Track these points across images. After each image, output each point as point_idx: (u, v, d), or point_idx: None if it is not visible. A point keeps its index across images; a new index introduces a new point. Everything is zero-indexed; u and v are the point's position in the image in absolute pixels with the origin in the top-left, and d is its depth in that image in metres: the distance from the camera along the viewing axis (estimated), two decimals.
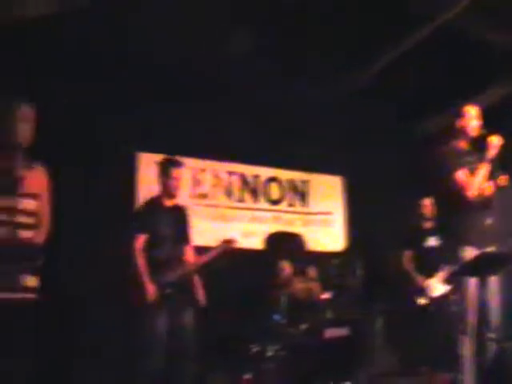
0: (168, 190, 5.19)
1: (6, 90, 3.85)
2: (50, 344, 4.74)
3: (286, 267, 6.08)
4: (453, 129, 4.69)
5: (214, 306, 6.07)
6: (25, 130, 3.60)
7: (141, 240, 5.00)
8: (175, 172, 5.17)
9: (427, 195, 6.51)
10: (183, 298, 5.04)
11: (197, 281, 5.22)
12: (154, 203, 5.21)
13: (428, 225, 6.53)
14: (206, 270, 5.33)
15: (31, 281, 3.57)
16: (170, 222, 5.16)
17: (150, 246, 5.02)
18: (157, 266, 4.96)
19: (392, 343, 6.49)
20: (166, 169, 5.18)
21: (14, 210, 3.44)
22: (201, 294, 5.19)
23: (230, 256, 5.45)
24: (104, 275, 5.70)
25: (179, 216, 5.30)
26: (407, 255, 6.54)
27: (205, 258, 5.24)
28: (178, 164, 5.22)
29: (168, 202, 5.22)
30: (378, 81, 6.89)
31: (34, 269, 3.59)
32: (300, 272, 6.48)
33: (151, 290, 4.81)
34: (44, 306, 3.64)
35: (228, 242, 5.38)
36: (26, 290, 3.51)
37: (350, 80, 7.03)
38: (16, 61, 5.54)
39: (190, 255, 5.29)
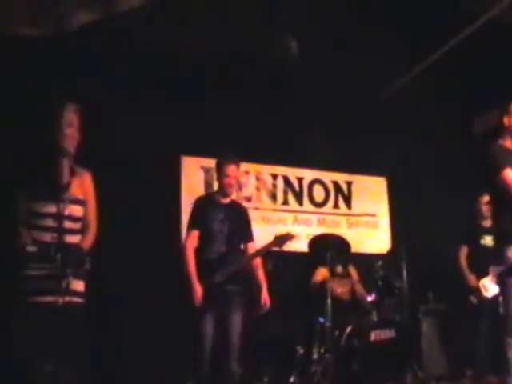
0: (222, 188, 5.02)
1: (52, 94, 3.92)
2: (97, 347, 4.84)
3: (326, 273, 6.03)
4: (501, 126, 4.59)
5: None
6: (71, 135, 3.63)
7: (193, 236, 4.90)
8: (229, 169, 4.98)
9: (485, 192, 6.42)
10: (232, 299, 4.82)
11: (263, 282, 5.03)
12: (208, 200, 5.11)
13: (486, 223, 6.39)
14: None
15: (78, 285, 3.63)
16: (224, 218, 4.96)
17: (202, 244, 4.91)
18: (208, 265, 4.82)
19: (440, 345, 6.42)
20: (220, 166, 5.04)
21: (60, 216, 3.50)
22: (264, 297, 4.98)
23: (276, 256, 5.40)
24: (150, 278, 5.76)
25: (235, 213, 5.09)
26: (463, 252, 6.44)
27: (255, 254, 5.04)
28: (233, 161, 5.03)
29: (224, 200, 5.04)
30: (425, 78, 6.81)
31: (81, 273, 3.64)
32: (344, 274, 6.47)
33: (198, 291, 4.67)
34: (91, 310, 3.71)
35: (281, 237, 5.13)
36: (74, 293, 3.56)
37: (397, 78, 6.98)
38: (60, 64, 5.63)
39: (251, 253, 5.07)
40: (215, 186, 5.31)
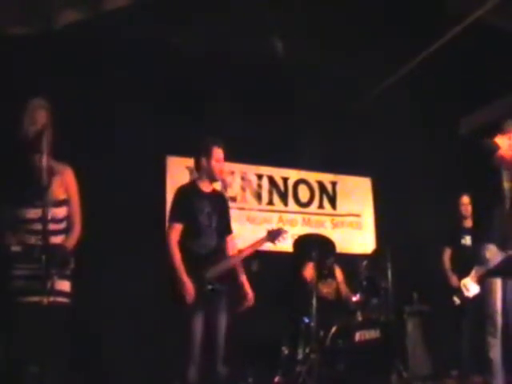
0: (211, 173, 4.67)
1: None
2: (82, 347, 4.82)
3: (313, 270, 6.03)
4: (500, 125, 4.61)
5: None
6: (37, 132, 3.44)
7: (177, 230, 4.50)
8: (219, 153, 4.67)
9: (465, 193, 6.48)
10: (220, 298, 4.58)
11: (243, 276, 4.75)
12: (192, 189, 4.69)
13: (467, 223, 6.47)
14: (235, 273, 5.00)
15: (63, 285, 3.62)
16: (210, 209, 4.64)
17: (188, 238, 4.52)
18: (196, 260, 4.47)
19: (425, 345, 6.45)
20: (207, 149, 4.66)
21: (44, 220, 3.45)
22: (249, 291, 4.73)
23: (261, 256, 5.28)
24: (136, 277, 5.74)
25: (220, 204, 4.78)
26: (447, 253, 6.51)
27: (248, 249, 4.79)
28: (220, 144, 4.71)
29: (206, 188, 4.70)
30: (411, 79, 6.84)
31: (66, 273, 3.62)
32: (329, 274, 6.48)
33: (189, 288, 4.35)
34: (76, 310, 3.69)
35: (273, 232, 4.98)
36: (58, 293, 3.53)
37: (382, 79, 7.01)
38: (47, 62, 5.57)
39: (231, 247, 4.83)
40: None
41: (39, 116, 3.53)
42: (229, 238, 4.83)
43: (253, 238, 5.91)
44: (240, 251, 4.84)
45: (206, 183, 4.70)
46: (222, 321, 4.57)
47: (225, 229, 4.80)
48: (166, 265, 4.50)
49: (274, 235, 4.94)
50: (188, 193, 4.67)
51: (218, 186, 5.26)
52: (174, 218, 4.57)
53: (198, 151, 4.73)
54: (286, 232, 5.05)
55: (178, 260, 4.42)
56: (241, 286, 4.72)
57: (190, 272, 4.42)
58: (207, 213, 4.63)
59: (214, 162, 4.65)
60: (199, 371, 4.42)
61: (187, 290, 4.36)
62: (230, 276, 4.71)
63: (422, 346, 6.42)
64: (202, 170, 4.69)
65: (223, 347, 4.57)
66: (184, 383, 4.39)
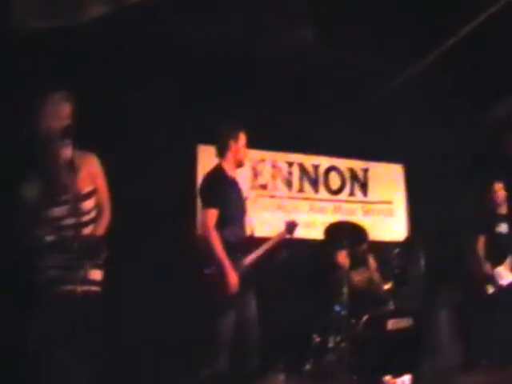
0: (239, 158, 4.71)
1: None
2: (114, 336, 4.86)
3: (345, 258, 6.01)
4: None
5: (275, 297, 6.14)
6: (59, 126, 3.46)
7: (214, 215, 4.42)
8: (244, 137, 4.74)
9: (497, 180, 6.39)
10: (252, 287, 4.61)
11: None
12: (219, 175, 4.66)
13: (501, 210, 6.38)
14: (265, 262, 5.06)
15: (95, 274, 3.66)
16: (238, 198, 4.68)
17: (219, 225, 4.46)
18: (229, 249, 4.42)
19: (456, 335, 6.39)
20: (236, 132, 4.70)
21: (74, 215, 3.47)
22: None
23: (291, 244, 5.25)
24: (166, 266, 5.77)
25: (240, 190, 4.81)
26: (481, 240, 6.41)
27: (269, 243, 4.80)
28: (243, 129, 4.77)
29: (232, 173, 4.70)
30: (443, 63, 6.72)
31: (99, 262, 3.65)
32: (362, 263, 6.44)
33: (233, 277, 4.32)
34: (107, 298, 3.72)
35: (290, 224, 5.06)
36: (91, 282, 3.59)
37: (412, 65, 6.90)
38: (73, 56, 5.58)
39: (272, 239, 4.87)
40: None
41: (63, 110, 3.52)
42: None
43: (283, 225, 5.95)
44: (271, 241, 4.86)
45: (231, 168, 4.72)
46: (254, 311, 4.60)
47: (246, 216, 4.79)
48: (200, 252, 4.49)
49: (291, 227, 5.01)
50: (219, 178, 4.64)
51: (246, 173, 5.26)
52: (210, 203, 4.50)
53: (224, 134, 4.76)
54: (298, 224, 5.14)
55: (219, 246, 4.35)
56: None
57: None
58: (235, 199, 4.64)
59: (241, 146, 4.70)
60: (229, 360, 4.42)
61: (231, 278, 4.31)
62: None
63: (453, 335, 6.36)
64: (230, 154, 4.70)
65: (255, 338, 4.59)
66: (214, 371, 4.39)
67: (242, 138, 4.72)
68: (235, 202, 4.62)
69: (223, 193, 4.54)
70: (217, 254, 4.33)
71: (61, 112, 3.50)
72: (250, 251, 4.63)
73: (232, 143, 4.68)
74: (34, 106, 3.58)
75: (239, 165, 4.78)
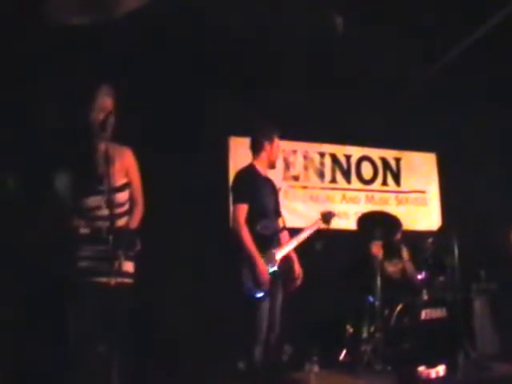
0: (272, 159, 4.81)
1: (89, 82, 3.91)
2: (146, 327, 4.92)
3: (379, 249, 5.98)
4: None
5: (309, 287, 6.14)
6: (104, 120, 3.52)
7: (244, 210, 4.48)
8: (278, 141, 4.84)
9: None
10: (280, 280, 4.61)
11: (295, 258, 4.78)
12: (253, 173, 4.73)
13: None
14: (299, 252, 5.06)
15: (129, 266, 3.69)
16: (269, 192, 4.75)
17: (252, 219, 4.51)
18: (262, 242, 4.47)
19: (492, 324, 6.33)
20: (270, 137, 4.78)
21: (109, 206, 3.51)
22: (299, 273, 4.74)
23: (325, 234, 5.23)
24: (199, 258, 5.81)
25: (273, 187, 4.89)
26: None
27: (304, 233, 4.85)
28: (278, 133, 4.86)
29: (263, 172, 4.78)
30: (475, 51, 6.63)
31: (131, 254, 3.68)
32: (395, 252, 6.40)
33: (264, 270, 4.36)
34: (140, 291, 3.76)
35: (326, 214, 5.09)
36: (125, 274, 3.61)
37: (446, 52, 6.81)
38: (108, 50, 5.60)
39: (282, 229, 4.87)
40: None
41: (105, 103, 3.57)
42: (279, 221, 4.87)
43: (316, 216, 5.93)
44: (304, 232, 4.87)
45: (263, 167, 4.79)
46: (280, 302, 4.61)
47: (278, 212, 4.87)
48: (232, 245, 4.50)
49: (327, 217, 5.04)
50: (250, 175, 4.71)
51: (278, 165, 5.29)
52: (240, 198, 4.57)
53: (260, 134, 4.82)
54: (335, 215, 5.18)
55: (249, 241, 4.41)
56: (292, 267, 4.74)
57: (260, 254, 4.42)
58: (267, 195, 4.70)
59: (275, 148, 4.80)
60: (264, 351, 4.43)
61: (262, 271, 4.36)
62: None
63: (489, 325, 6.29)
64: (263, 154, 4.78)
65: (279, 328, 4.59)
66: (250, 363, 4.41)
67: (277, 141, 4.81)
68: (267, 196, 4.69)
69: (254, 188, 4.61)
70: (246, 247, 4.39)
71: (104, 105, 3.56)
72: (283, 244, 4.70)
73: (267, 144, 4.76)
74: (80, 99, 3.67)
75: (272, 166, 4.86)
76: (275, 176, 6.64)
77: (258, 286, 4.36)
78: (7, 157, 5.00)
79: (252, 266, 4.36)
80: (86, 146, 3.63)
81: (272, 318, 4.52)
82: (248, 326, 4.43)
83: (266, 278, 4.37)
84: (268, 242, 4.54)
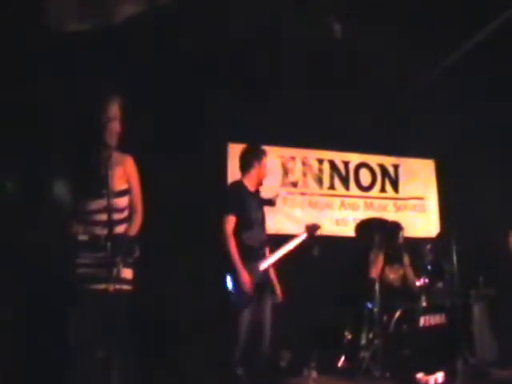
0: (259, 177, 5.15)
1: (97, 88, 3.94)
2: (144, 334, 4.92)
3: (379, 254, 6.00)
4: None
5: (308, 293, 6.14)
6: (115, 129, 3.64)
7: (232, 222, 4.81)
8: (265, 160, 5.19)
9: None
10: (266, 290, 4.92)
11: (273, 274, 5.10)
12: (242, 187, 5.06)
13: None
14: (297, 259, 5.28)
15: (127, 272, 3.70)
16: (258, 207, 5.08)
17: (240, 230, 4.84)
18: (249, 253, 4.81)
19: (491, 330, 6.32)
20: (260, 156, 5.13)
21: (108, 211, 3.52)
22: (278, 289, 5.07)
23: (315, 241, 5.33)
24: (196, 265, 5.81)
25: (260, 202, 5.24)
26: None
27: (289, 246, 5.09)
28: (266, 153, 5.24)
29: (252, 188, 5.10)
30: (474, 56, 6.63)
31: (130, 261, 3.69)
32: (394, 259, 6.41)
33: (246, 277, 4.66)
34: (138, 297, 3.77)
35: (311, 227, 5.25)
36: (123, 281, 3.62)
37: (441, 59, 6.82)
38: (107, 56, 5.63)
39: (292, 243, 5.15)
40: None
41: (111, 110, 3.63)
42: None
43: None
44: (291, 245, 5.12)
45: (251, 184, 5.10)
46: (268, 314, 4.84)
47: (264, 226, 5.18)
48: (222, 254, 4.74)
49: (312, 229, 5.22)
50: (239, 189, 5.04)
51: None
52: (229, 210, 4.84)
53: (250, 154, 5.17)
54: (320, 227, 5.31)
55: (234, 250, 4.71)
56: (272, 282, 5.04)
57: (245, 263, 4.72)
58: (254, 209, 5.01)
59: (264, 169, 5.17)
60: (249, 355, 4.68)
61: (244, 279, 4.64)
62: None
63: (488, 331, 6.29)
64: (252, 172, 5.11)
65: (269, 336, 4.81)
66: (234, 365, 4.63)
67: (265, 160, 5.18)
68: (254, 210, 5.00)
69: (242, 201, 4.93)
70: (232, 257, 4.70)
71: (109, 111, 3.62)
72: (267, 256, 5.02)
73: (256, 164, 5.11)
74: (87, 107, 3.74)
75: (260, 183, 5.21)
76: (274, 182, 6.76)
77: (241, 294, 4.64)
78: (7, 158, 5.02)
79: (236, 274, 4.67)
80: (91, 151, 3.67)
81: (259, 326, 4.76)
82: (230, 329, 4.70)
83: (248, 286, 4.65)
84: (254, 253, 4.86)
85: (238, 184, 5.10)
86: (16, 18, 5.00)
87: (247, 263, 4.73)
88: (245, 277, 4.65)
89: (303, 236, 5.17)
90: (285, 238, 5.28)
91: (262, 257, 4.95)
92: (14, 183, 5.07)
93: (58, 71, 5.36)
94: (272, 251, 5.05)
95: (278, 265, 5.10)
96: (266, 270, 4.93)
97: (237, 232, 4.81)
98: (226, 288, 4.75)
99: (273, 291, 5.00)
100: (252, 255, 4.83)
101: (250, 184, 5.09)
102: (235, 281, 4.68)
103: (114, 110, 3.64)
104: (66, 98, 5.12)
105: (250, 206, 4.96)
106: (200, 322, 5.73)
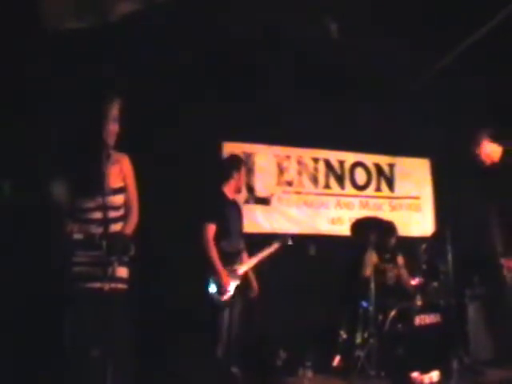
0: (239, 185, 5.49)
1: (98, 89, 3.94)
2: (139, 332, 4.91)
3: (374, 254, 6.00)
4: None
5: (303, 292, 6.14)
6: (114, 130, 3.67)
7: (212, 230, 5.12)
8: (244, 169, 5.56)
9: None
10: (241, 293, 5.20)
11: (250, 272, 5.40)
12: (221, 195, 5.37)
13: None
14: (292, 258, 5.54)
15: (122, 271, 3.70)
16: (236, 217, 5.43)
17: (219, 238, 5.15)
18: (227, 258, 5.13)
19: (486, 330, 6.33)
20: (239, 166, 5.45)
21: (104, 209, 3.52)
22: (255, 284, 5.42)
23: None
24: (192, 264, 5.79)
25: (239, 210, 5.54)
26: None
27: (262, 254, 5.39)
28: (244, 162, 5.68)
29: (231, 195, 5.42)
30: (470, 55, 6.63)
31: (126, 260, 3.68)
32: (389, 258, 6.41)
33: (226, 278, 5.03)
34: (133, 296, 3.76)
35: (284, 237, 5.54)
36: (118, 280, 3.62)
37: (437, 59, 6.82)
38: (102, 54, 5.60)
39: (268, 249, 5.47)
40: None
41: (110, 110, 3.66)
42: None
43: (310, 222, 5.95)
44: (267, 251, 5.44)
45: (231, 192, 5.41)
46: (238, 310, 5.14)
47: (242, 233, 5.50)
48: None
49: (285, 239, 5.52)
50: (219, 197, 5.34)
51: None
52: (209, 218, 5.16)
53: (229, 165, 5.50)
54: (292, 236, 5.62)
55: (215, 256, 5.06)
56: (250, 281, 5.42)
57: (225, 267, 5.09)
58: (233, 217, 5.35)
59: (243, 178, 5.54)
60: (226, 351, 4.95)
61: (225, 283, 5.02)
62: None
63: (483, 330, 6.29)
64: (232, 182, 5.41)
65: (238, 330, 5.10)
66: (215, 359, 4.95)
67: (244, 170, 5.56)
68: (232, 218, 5.34)
69: (222, 209, 5.25)
70: (212, 261, 5.05)
71: (108, 111, 3.65)
72: (244, 261, 5.37)
73: (235, 173, 5.41)
74: (89, 109, 3.74)
75: (239, 191, 5.57)
76: (269, 182, 6.76)
77: (221, 295, 5.01)
78: (6, 158, 5.01)
79: (216, 277, 5.03)
80: (89, 150, 3.67)
81: (231, 323, 5.03)
82: (212, 328, 5.05)
83: (227, 286, 5.02)
84: (232, 258, 5.21)
85: (218, 193, 5.39)
86: (16, 18, 4.98)
87: (227, 269, 5.09)
88: (226, 281, 5.02)
89: (276, 245, 5.44)
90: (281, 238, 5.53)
91: (240, 263, 5.28)
92: (11, 183, 5.07)
93: (58, 71, 5.35)
94: (252, 255, 5.40)
95: (254, 268, 5.41)
96: (244, 275, 5.26)
97: (216, 239, 5.13)
98: (207, 291, 5.04)
99: (248, 287, 5.35)
100: (231, 261, 5.18)
101: (229, 192, 5.39)
102: (216, 284, 5.02)
103: (114, 111, 3.66)
104: (65, 98, 5.12)
105: (229, 214, 5.29)
106: (197, 321, 5.71)
